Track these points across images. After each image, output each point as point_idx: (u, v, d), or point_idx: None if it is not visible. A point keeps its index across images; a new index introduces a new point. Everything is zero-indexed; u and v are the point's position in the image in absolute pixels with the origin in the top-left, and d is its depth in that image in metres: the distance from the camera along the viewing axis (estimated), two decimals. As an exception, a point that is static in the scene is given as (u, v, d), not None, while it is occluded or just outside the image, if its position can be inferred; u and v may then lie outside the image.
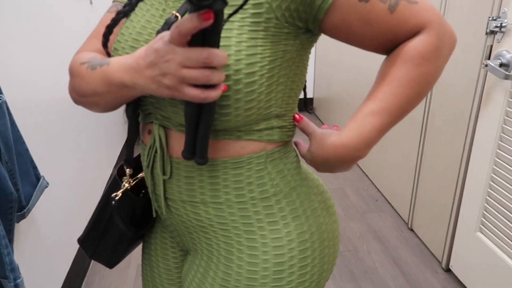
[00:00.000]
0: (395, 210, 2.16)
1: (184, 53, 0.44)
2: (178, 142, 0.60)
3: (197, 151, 0.53)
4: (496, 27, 1.26)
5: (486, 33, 1.32)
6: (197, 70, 0.45)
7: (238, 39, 0.52)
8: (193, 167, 0.60)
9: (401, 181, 2.07)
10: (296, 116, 0.62)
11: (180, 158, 0.60)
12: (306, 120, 0.62)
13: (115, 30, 0.63)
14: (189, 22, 0.42)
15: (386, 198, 2.27)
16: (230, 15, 0.46)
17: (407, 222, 2.03)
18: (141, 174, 0.72)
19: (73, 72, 0.61)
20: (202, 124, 0.51)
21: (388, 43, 0.55)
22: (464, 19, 1.48)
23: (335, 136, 0.55)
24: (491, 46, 1.32)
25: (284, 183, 0.62)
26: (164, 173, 0.62)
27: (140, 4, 0.62)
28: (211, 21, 0.42)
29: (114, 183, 0.71)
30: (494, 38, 1.31)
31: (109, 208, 0.71)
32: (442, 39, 0.54)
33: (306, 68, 0.62)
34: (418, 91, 0.54)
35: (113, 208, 0.69)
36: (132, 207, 0.70)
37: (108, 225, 0.72)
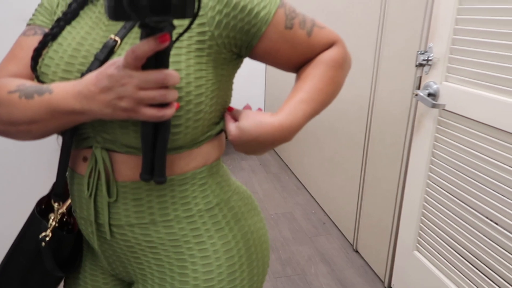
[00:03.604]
0: (341, 232, 2.23)
1: (141, 76, 0.47)
2: (123, 164, 0.60)
3: (155, 170, 0.55)
4: (424, 60, 1.39)
5: (416, 65, 1.44)
6: (154, 90, 0.48)
7: (187, 63, 0.56)
8: (141, 188, 0.61)
9: (346, 204, 2.14)
10: (231, 107, 0.67)
11: (127, 182, 0.61)
12: (235, 108, 0.66)
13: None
14: (146, 45, 0.45)
15: (333, 221, 2.34)
16: (179, 36, 0.50)
17: (352, 243, 2.09)
18: (61, 209, 0.68)
19: None
20: (159, 143, 0.54)
21: (306, 61, 0.66)
22: (397, 52, 1.60)
23: (272, 117, 0.59)
24: (420, 77, 1.44)
25: (223, 193, 0.67)
26: (110, 196, 0.62)
27: (68, 28, 0.62)
28: (168, 43, 0.45)
29: (32, 221, 0.67)
30: (422, 70, 1.43)
31: (28, 250, 0.66)
32: (346, 52, 0.69)
33: (232, 91, 0.69)
34: (333, 89, 0.65)
35: (44, 250, 0.65)
36: (60, 246, 0.67)
37: (29, 269, 0.67)
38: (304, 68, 0.66)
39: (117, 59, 0.49)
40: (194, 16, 0.45)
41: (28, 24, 0.66)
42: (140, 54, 0.45)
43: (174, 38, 0.49)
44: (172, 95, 0.49)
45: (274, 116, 0.59)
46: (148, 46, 0.45)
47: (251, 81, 3.53)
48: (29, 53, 0.62)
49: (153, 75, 0.47)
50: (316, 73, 0.63)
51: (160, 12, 0.41)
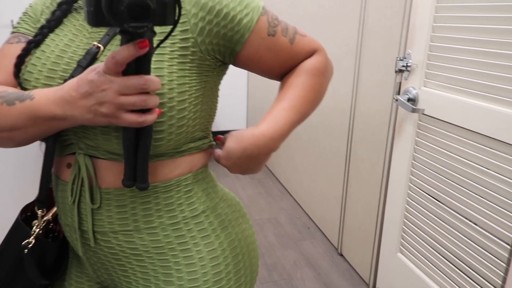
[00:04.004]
0: (326, 236, 2.25)
1: (122, 81, 0.47)
2: (106, 171, 0.60)
3: (138, 176, 0.55)
4: (403, 66, 1.42)
5: (395, 71, 1.47)
6: (134, 96, 0.48)
7: (169, 70, 0.56)
8: (125, 195, 0.61)
9: (330, 208, 2.16)
10: (219, 136, 0.67)
11: (110, 188, 0.61)
12: (223, 136, 0.66)
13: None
14: (126, 51, 0.45)
15: (317, 225, 2.36)
16: (160, 42, 0.50)
17: (337, 247, 2.11)
18: (47, 217, 0.68)
19: None
20: (141, 149, 0.53)
21: (289, 68, 0.67)
22: (377, 59, 1.64)
23: (254, 128, 0.60)
24: (400, 83, 1.48)
25: (209, 200, 0.67)
26: (93, 203, 0.61)
27: (51, 35, 0.62)
28: (147, 49, 0.46)
29: (17, 228, 0.66)
30: (402, 76, 1.46)
31: (11, 258, 0.65)
32: (328, 60, 0.69)
33: (218, 97, 0.69)
34: (315, 96, 0.66)
35: (26, 257, 0.64)
36: (44, 253, 0.66)
37: (12, 277, 0.66)
38: (286, 77, 0.67)
39: (98, 65, 0.49)
40: (175, 24, 0.46)
41: (13, 32, 0.66)
42: (120, 59, 0.46)
43: (155, 44, 0.50)
44: (153, 100, 0.49)
45: (255, 128, 0.60)
46: (128, 52, 0.45)
47: (233, 92, 3.54)
48: (13, 60, 0.61)
49: (133, 80, 0.47)
50: (298, 81, 0.65)
51: (139, 18, 0.42)
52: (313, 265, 2.00)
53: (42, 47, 0.61)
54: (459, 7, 1.20)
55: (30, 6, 0.67)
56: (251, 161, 0.61)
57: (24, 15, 0.67)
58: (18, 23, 0.67)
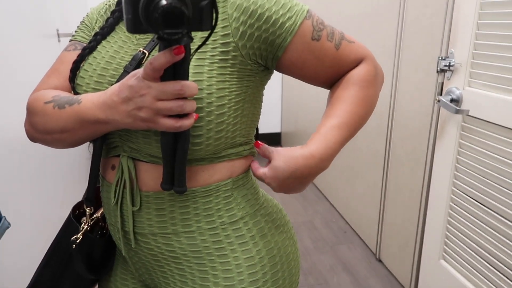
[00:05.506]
0: (363, 241, 2.20)
1: (159, 87, 0.48)
2: (147, 174, 0.62)
3: (175, 180, 0.56)
4: (445, 66, 1.37)
5: (437, 72, 1.42)
6: (171, 101, 0.49)
7: (209, 74, 0.56)
8: (164, 199, 0.62)
9: (367, 212, 2.12)
10: (259, 142, 0.66)
11: (149, 191, 0.62)
12: (264, 145, 0.64)
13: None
14: (163, 57, 0.46)
15: (354, 230, 2.31)
16: (197, 48, 0.51)
17: (375, 253, 2.06)
18: (96, 214, 0.71)
19: (34, 111, 0.62)
20: (179, 153, 0.54)
21: (334, 76, 0.64)
22: (417, 59, 1.59)
23: (303, 148, 0.58)
24: (442, 83, 1.43)
25: (249, 206, 0.66)
26: (133, 205, 0.63)
27: (103, 42, 0.65)
28: (183, 55, 0.46)
29: (68, 225, 0.69)
30: (444, 76, 1.41)
31: (62, 253, 0.68)
32: (377, 69, 0.65)
33: (261, 103, 0.68)
34: (366, 109, 0.63)
35: (74, 252, 0.67)
36: (91, 249, 0.68)
37: (62, 271, 0.69)
38: (334, 90, 0.65)
39: (138, 70, 0.50)
40: (212, 29, 0.46)
41: (71, 40, 0.70)
42: (157, 65, 0.46)
43: (194, 50, 0.50)
44: (189, 106, 0.50)
45: (304, 148, 0.58)
46: (164, 58, 0.46)
47: (267, 95, 3.55)
48: (69, 66, 0.65)
49: (170, 86, 0.48)
50: (346, 95, 0.62)
51: (174, 25, 0.42)
52: (350, 270, 1.96)
53: (95, 53, 0.64)
54: (506, 3, 1.15)
55: (87, 16, 0.71)
56: (299, 182, 0.59)
57: (81, 24, 0.71)
58: (75, 31, 0.71)
